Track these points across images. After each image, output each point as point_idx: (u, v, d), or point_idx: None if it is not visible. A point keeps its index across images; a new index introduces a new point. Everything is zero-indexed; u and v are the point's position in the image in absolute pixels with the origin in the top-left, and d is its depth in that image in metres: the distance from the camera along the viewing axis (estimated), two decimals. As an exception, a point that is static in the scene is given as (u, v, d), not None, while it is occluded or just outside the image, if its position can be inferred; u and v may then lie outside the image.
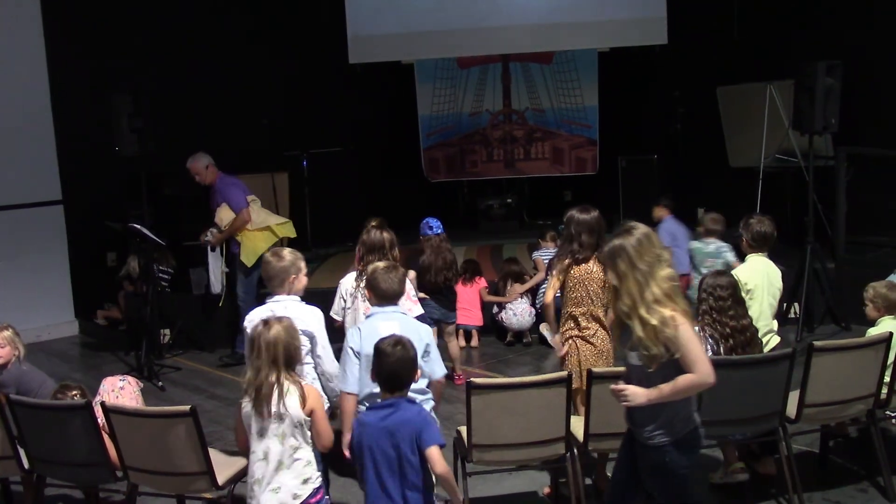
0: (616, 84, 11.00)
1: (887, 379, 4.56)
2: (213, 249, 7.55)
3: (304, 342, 3.98)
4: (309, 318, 4.11)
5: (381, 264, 4.23)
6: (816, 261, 7.61)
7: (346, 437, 3.81)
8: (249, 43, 10.01)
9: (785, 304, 7.73)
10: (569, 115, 11.26)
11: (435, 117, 11.38)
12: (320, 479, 3.63)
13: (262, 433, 3.52)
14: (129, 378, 4.66)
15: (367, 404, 3.82)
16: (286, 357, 3.49)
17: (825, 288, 7.72)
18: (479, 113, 11.39)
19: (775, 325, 5.15)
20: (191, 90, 9.38)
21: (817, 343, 4.38)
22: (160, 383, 7.01)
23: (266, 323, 3.54)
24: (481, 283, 7.83)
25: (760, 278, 5.01)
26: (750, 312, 4.67)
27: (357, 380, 3.91)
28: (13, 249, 8.38)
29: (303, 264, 4.26)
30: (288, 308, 4.06)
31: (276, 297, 4.19)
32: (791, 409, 4.42)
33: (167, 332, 8.09)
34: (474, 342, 7.79)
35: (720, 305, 4.41)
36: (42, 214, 8.73)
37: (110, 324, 8.88)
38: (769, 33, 9.56)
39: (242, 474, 4.17)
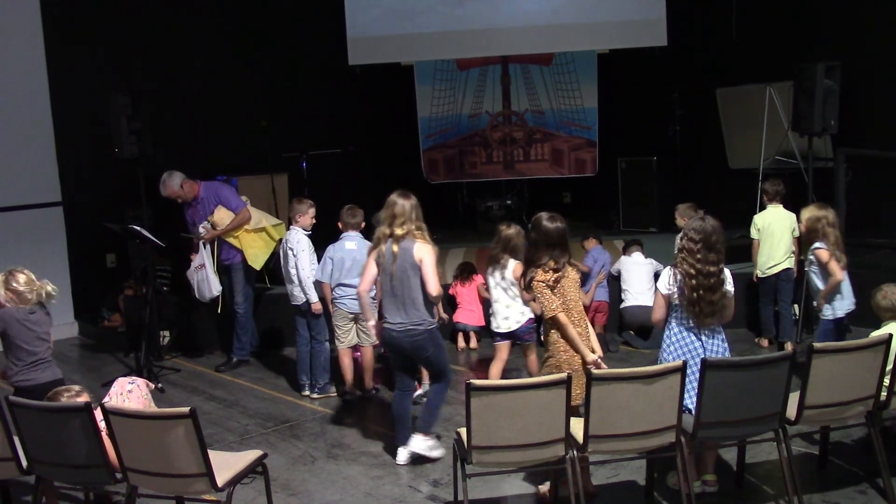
0: (615, 86, 11.01)
1: (887, 381, 4.56)
2: (205, 246, 7.34)
3: (291, 254, 6.50)
4: (294, 240, 6.50)
5: (346, 207, 6.38)
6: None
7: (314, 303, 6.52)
8: (249, 44, 10.02)
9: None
10: (568, 117, 11.26)
11: (434, 119, 11.38)
12: (531, 313, 5.99)
13: (496, 287, 6.01)
14: (139, 381, 4.63)
15: (341, 291, 6.29)
16: (513, 245, 5.95)
17: (825, 289, 7.71)
18: (478, 114, 11.39)
19: (788, 260, 7.07)
20: (190, 92, 9.39)
21: (817, 345, 4.38)
22: (159, 385, 7.02)
23: (509, 225, 6.06)
24: (478, 279, 7.85)
25: (769, 224, 6.99)
26: (762, 249, 7.04)
27: (329, 274, 6.31)
28: (12, 251, 8.36)
29: (310, 210, 6.52)
30: (290, 231, 6.60)
31: (293, 226, 6.57)
32: (791, 411, 4.42)
33: (166, 333, 8.09)
34: (473, 344, 7.80)
35: (689, 247, 4.51)
36: (41, 216, 8.73)
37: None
38: (768, 35, 9.57)
39: (242, 476, 4.19)
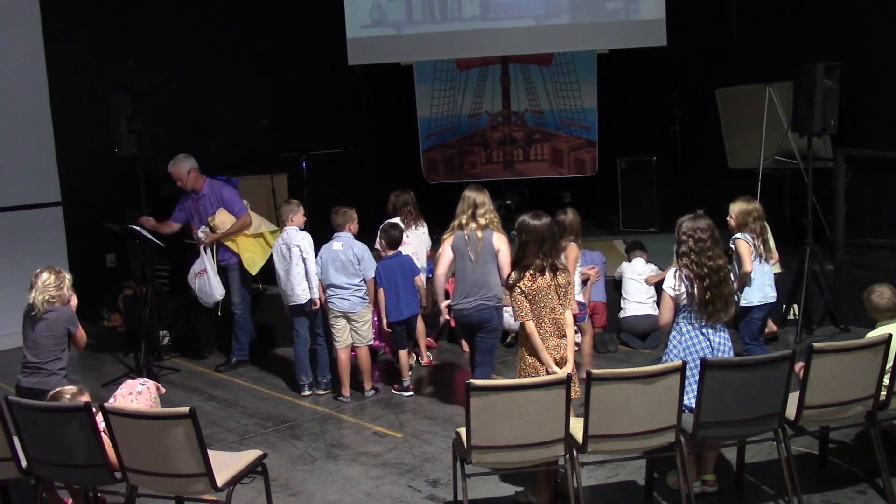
0: (615, 86, 11.00)
1: (886, 381, 4.56)
2: (205, 250, 7.33)
3: (296, 251, 6.52)
4: (298, 238, 6.55)
5: (334, 208, 6.60)
6: (815, 262, 7.61)
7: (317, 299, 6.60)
8: (248, 44, 10.02)
9: (784, 306, 7.74)
10: (568, 117, 11.26)
11: (434, 119, 11.38)
12: (582, 297, 6.49)
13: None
14: (150, 383, 4.62)
15: (330, 291, 6.50)
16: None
17: (824, 290, 7.72)
18: (478, 114, 11.39)
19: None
20: (189, 92, 9.39)
21: (817, 345, 4.38)
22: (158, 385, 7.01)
23: (564, 212, 6.23)
24: None
25: None
26: None
27: (319, 272, 6.52)
28: (12, 251, 8.37)
29: (300, 209, 6.67)
30: (288, 232, 6.61)
31: (286, 227, 6.64)
32: (790, 411, 4.42)
33: (166, 333, 8.09)
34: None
35: (700, 247, 4.53)
36: (41, 216, 8.72)
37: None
38: (768, 35, 9.57)
39: (241, 476, 4.19)
